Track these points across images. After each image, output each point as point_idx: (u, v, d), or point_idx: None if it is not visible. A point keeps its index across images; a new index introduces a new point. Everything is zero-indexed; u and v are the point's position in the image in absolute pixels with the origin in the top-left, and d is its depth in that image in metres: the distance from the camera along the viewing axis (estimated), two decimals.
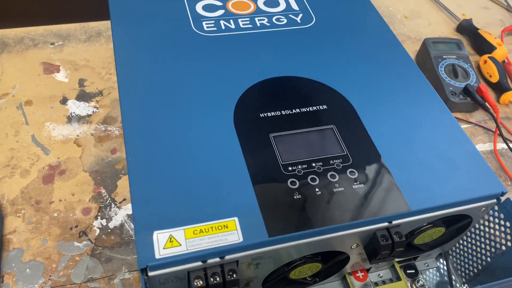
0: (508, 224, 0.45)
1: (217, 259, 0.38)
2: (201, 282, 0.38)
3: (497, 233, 0.47)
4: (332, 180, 0.43)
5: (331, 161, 0.45)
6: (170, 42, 0.54)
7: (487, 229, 0.48)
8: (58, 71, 0.71)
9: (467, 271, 0.52)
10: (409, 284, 0.52)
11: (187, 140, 0.44)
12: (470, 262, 0.51)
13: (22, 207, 0.55)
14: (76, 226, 0.54)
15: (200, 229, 0.38)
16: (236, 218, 0.39)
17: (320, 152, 0.45)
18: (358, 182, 0.43)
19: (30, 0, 0.75)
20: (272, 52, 0.55)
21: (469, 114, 0.74)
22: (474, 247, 0.50)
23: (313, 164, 0.44)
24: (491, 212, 0.47)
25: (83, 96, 0.68)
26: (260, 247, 0.39)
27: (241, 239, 0.38)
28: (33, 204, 0.55)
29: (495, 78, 0.78)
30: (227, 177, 0.42)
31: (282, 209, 0.40)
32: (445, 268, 0.55)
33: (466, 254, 0.52)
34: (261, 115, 0.48)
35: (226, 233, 0.38)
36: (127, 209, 0.56)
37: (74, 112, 0.66)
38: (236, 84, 0.50)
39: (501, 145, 0.70)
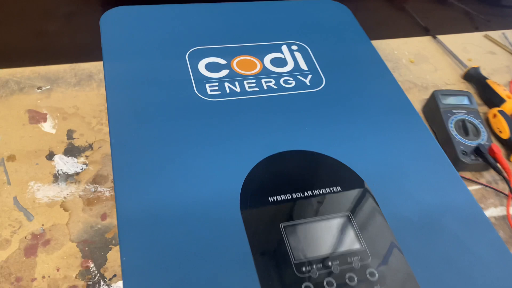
0: None
1: None
2: None
3: None
4: (350, 284, 0.39)
5: (348, 258, 0.41)
6: (169, 107, 0.49)
7: None
8: (45, 120, 0.66)
9: None
10: None
11: (183, 236, 0.40)
12: None
13: (0, 285, 0.49)
14: None
15: None
16: None
17: (337, 247, 0.41)
18: (379, 286, 0.39)
19: (16, 37, 0.69)
20: (280, 121, 0.50)
21: (479, 173, 0.71)
22: None
23: (329, 263, 0.40)
24: None
25: (71, 151, 0.63)
26: None
27: None
28: (13, 281, 0.50)
29: (505, 134, 0.75)
30: (230, 276, 0.37)
31: None
32: None
33: None
34: (269, 199, 0.43)
35: None
36: (118, 287, 0.51)
37: (61, 170, 0.60)
38: (243, 160, 0.46)
39: None
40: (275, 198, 0.44)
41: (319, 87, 0.55)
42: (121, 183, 0.42)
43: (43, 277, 0.51)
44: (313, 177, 0.46)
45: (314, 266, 0.40)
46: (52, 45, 0.73)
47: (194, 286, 0.37)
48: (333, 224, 0.43)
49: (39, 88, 0.69)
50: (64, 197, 0.58)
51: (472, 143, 0.70)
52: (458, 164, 0.69)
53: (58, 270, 0.51)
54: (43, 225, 0.55)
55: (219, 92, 0.52)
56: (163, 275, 0.37)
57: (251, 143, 0.48)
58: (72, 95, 0.70)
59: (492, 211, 0.67)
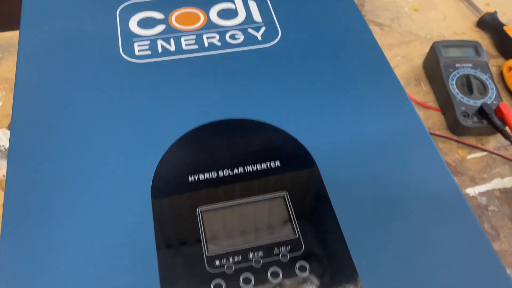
0: None
1: None
2: None
3: None
4: (273, 281, 0.32)
5: (276, 249, 0.33)
6: (86, 73, 0.42)
7: None
8: None
9: None
10: None
11: (80, 225, 0.33)
12: None
13: None
14: None
15: None
16: None
17: (263, 235, 0.34)
18: (309, 284, 0.32)
19: None
20: (217, 85, 0.42)
21: (485, 138, 0.60)
22: None
23: (250, 256, 0.33)
24: None
25: None
26: None
27: None
28: None
29: None
30: (127, 278, 0.31)
31: None
32: None
33: None
34: (190, 178, 0.36)
35: None
36: None
37: (3, 146, 0.56)
38: (163, 134, 0.39)
39: None
40: (196, 178, 0.36)
41: (272, 41, 0.46)
42: (15, 159, 0.36)
43: None
44: (248, 151, 0.39)
45: (230, 260, 0.32)
46: (8, 8, 0.67)
47: (85, 275, 0.31)
48: (262, 208, 0.35)
49: None
50: (3, 175, 0.53)
51: (476, 103, 0.59)
52: (458, 129, 0.59)
53: None
54: None
55: (149, 52, 0.44)
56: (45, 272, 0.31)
57: (177, 112, 0.40)
58: None
59: (498, 182, 0.57)
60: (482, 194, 0.56)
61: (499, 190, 0.56)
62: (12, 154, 0.36)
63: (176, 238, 0.33)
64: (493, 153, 0.59)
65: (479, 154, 0.59)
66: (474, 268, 0.33)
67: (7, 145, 0.56)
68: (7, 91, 0.61)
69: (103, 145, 0.37)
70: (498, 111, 0.57)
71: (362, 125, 0.41)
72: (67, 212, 0.34)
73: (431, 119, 0.62)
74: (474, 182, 0.57)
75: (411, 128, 0.40)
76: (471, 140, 0.60)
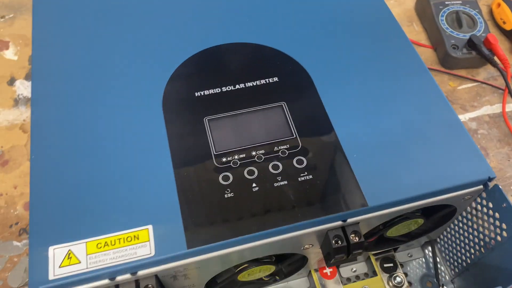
0: (497, 215, 0.36)
1: (129, 276, 0.32)
2: None
3: (486, 224, 0.38)
4: (273, 171, 0.36)
5: (275, 147, 0.37)
6: (94, 8, 0.46)
7: (475, 219, 0.40)
8: (7, 48, 0.65)
9: (456, 263, 0.45)
10: (385, 281, 0.44)
11: (100, 128, 0.37)
12: (459, 254, 0.44)
13: None
14: (17, 223, 0.49)
15: (106, 242, 0.32)
16: (150, 227, 0.33)
17: (264, 137, 0.38)
18: (306, 173, 0.36)
19: None
20: (213, 12, 0.46)
21: (475, 70, 0.64)
22: (462, 238, 0.42)
23: (253, 153, 0.37)
24: (478, 199, 0.38)
25: None
26: (178, 260, 0.32)
27: (152, 253, 0.32)
28: None
29: (509, 24, 0.66)
30: (145, 174, 0.35)
31: (208, 212, 0.34)
32: (433, 257, 0.47)
33: (454, 245, 0.44)
34: (196, 94, 0.40)
35: (136, 245, 0.32)
36: None
37: (21, 94, 0.60)
38: (169, 58, 0.42)
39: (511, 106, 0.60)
40: (202, 93, 0.40)
41: None
42: (38, 81, 0.40)
43: (1, 194, 0.51)
44: (248, 69, 0.42)
45: (235, 156, 0.36)
46: None
47: (109, 177, 0.35)
48: (263, 115, 0.39)
49: (2, 17, 0.68)
50: (24, 120, 0.57)
51: (466, 36, 0.62)
52: (449, 60, 0.62)
53: (15, 187, 0.52)
54: (2, 146, 0.55)
55: None
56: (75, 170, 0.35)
57: (182, 37, 0.44)
58: None
59: (487, 109, 0.60)
60: (472, 119, 0.59)
61: (488, 115, 0.59)
62: (36, 73, 0.40)
63: (187, 143, 0.37)
64: (483, 82, 0.62)
65: (470, 84, 0.62)
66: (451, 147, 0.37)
67: (25, 94, 0.60)
68: (22, 46, 0.65)
69: (120, 66, 0.41)
70: (486, 41, 0.60)
71: (356, 44, 0.44)
72: (92, 119, 0.38)
73: (423, 55, 0.65)
74: (464, 110, 0.60)
75: (396, 42, 0.44)
76: (461, 72, 0.63)
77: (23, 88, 0.60)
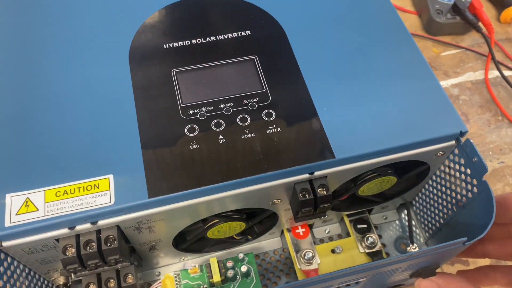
0: (468, 171, 0.36)
1: (89, 225, 0.31)
2: (73, 250, 0.31)
3: (458, 182, 0.38)
4: (241, 124, 0.35)
5: (244, 100, 0.36)
6: None
7: (448, 177, 0.39)
8: None
9: (430, 225, 0.44)
10: (358, 241, 0.44)
11: (63, 78, 0.36)
12: (433, 215, 0.43)
13: None
14: None
15: (65, 190, 0.31)
16: (111, 176, 0.32)
17: (233, 90, 0.37)
18: (274, 126, 0.35)
19: None
20: None
21: (459, 37, 0.63)
22: (436, 198, 0.42)
23: (221, 106, 0.36)
24: (451, 156, 0.38)
25: None
26: (139, 210, 0.32)
27: (112, 202, 0.31)
28: None
29: None
30: (108, 124, 0.34)
31: (172, 163, 0.33)
32: (408, 220, 0.47)
33: (428, 206, 0.44)
34: (165, 46, 0.39)
35: (96, 194, 0.31)
36: None
37: None
38: (139, 8, 0.41)
39: (495, 73, 0.59)
40: (171, 45, 0.39)
41: None
42: None
43: None
44: (220, 22, 0.41)
45: (203, 109, 0.35)
46: None
47: (71, 126, 0.34)
48: (234, 68, 0.38)
49: None
50: None
51: (450, 1, 0.61)
52: (433, 26, 0.61)
53: None
54: None
55: None
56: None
57: None
58: None
59: (470, 75, 0.59)
60: (454, 86, 0.58)
61: (471, 81, 0.59)
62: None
63: (153, 94, 0.36)
64: (467, 49, 0.61)
65: (453, 51, 0.61)
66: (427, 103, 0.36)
67: None
68: None
69: (87, 17, 0.40)
70: (471, 6, 0.59)
71: (333, 1, 0.43)
72: (55, 68, 0.37)
73: (408, 21, 0.64)
74: (447, 76, 0.59)
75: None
76: (446, 39, 0.62)
77: None
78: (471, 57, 0.61)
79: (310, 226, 0.45)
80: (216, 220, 0.37)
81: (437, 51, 0.61)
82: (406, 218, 0.47)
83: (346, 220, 0.45)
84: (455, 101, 0.57)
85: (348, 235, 0.45)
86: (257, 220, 0.40)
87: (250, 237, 0.43)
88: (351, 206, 0.44)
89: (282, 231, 0.45)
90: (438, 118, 0.36)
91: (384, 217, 0.48)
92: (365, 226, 0.45)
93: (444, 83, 0.58)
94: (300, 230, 0.44)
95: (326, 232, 0.46)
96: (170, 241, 0.38)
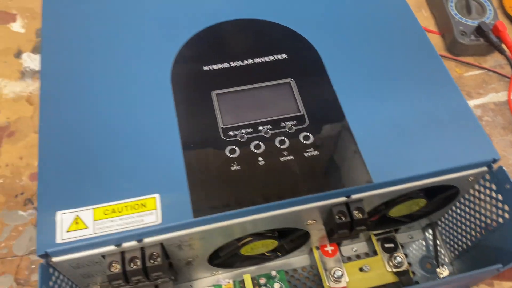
0: (500, 197, 0.37)
1: (135, 243, 0.32)
2: (118, 267, 0.33)
3: (488, 206, 0.39)
4: (280, 146, 0.36)
5: (282, 123, 0.37)
6: None
7: (477, 201, 0.40)
8: (15, 20, 0.64)
9: (456, 246, 0.45)
10: (385, 260, 0.45)
11: (109, 99, 0.38)
12: (460, 237, 0.44)
13: None
14: (22, 193, 0.50)
15: (113, 209, 0.32)
16: (157, 195, 0.33)
17: (271, 112, 0.38)
18: (312, 149, 0.36)
19: None
20: None
21: (482, 58, 0.63)
22: (463, 220, 0.43)
23: (260, 128, 0.37)
24: (481, 181, 0.39)
25: (39, 48, 0.61)
26: (184, 229, 0.33)
27: (159, 221, 0.32)
28: None
29: None
30: (153, 145, 0.35)
31: (215, 183, 0.34)
32: (433, 239, 0.48)
33: (455, 227, 0.44)
34: (204, 68, 0.40)
35: (143, 213, 0.32)
36: None
37: (28, 67, 0.60)
38: (179, 30, 0.42)
39: None
40: (210, 67, 0.40)
41: None
42: (47, 45, 0.40)
43: (7, 165, 0.52)
44: (257, 45, 0.42)
45: (242, 130, 0.37)
46: None
47: (118, 146, 0.35)
48: (271, 91, 0.39)
49: None
50: (30, 92, 0.57)
51: (474, 22, 0.62)
52: (457, 47, 0.62)
53: (21, 158, 0.52)
54: (8, 118, 0.55)
55: None
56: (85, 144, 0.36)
57: (192, 11, 0.44)
58: None
59: (493, 96, 0.60)
60: (477, 106, 0.59)
61: (494, 103, 0.59)
62: (45, 42, 0.40)
63: (195, 115, 0.37)
64: (489, 70, 0.62)
65: (476, 71, 0.62)
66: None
67: (32, 66, 0.60)
68: (29, 19, 0.65)
69: (130, 40, 0.41)
70: (495, 28, 0.60)
71: (367, 26, 0.44)
72: (101, 89, 0.38)
73: (431, 41, 0.65)
74: (470, 97, 0.60)
75: (407, 25, 0.44)
76: (468, 59, 0.63)
77: (30, 61, 0.60)
78: (493, 78, 0.62)
79: (338, 244, 0.46)
80: (251, 238, 0.38)
81: (460, 72, 0.62)
82: (431, 237, 0.48)
83: (373, 238, 0.46)
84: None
85: (375, 253, 0.46)
86: (290, 238, 0.41)
87: (280, 253, 0.44)
88: (379, 226, 0.45)
89: (311, 248, 0.45)
90: (472, 144, 0.37)
91: (409, 236, 0.48)
92: (392, 245, 0.46)
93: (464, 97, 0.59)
94: (329, 248, 0.45)
95: (354, 250, 0.47)
96: (207, 257, 0.39)
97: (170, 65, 0.40)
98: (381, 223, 0.44)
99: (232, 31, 0.43)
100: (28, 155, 0.52)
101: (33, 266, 0.46)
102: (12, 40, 0.62)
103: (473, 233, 0.42)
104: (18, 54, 0.61)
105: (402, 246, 0.47)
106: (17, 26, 0.64)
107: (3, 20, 0.64)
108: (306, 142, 0.36)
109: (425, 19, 0.68)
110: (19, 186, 0.50)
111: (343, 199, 0.35)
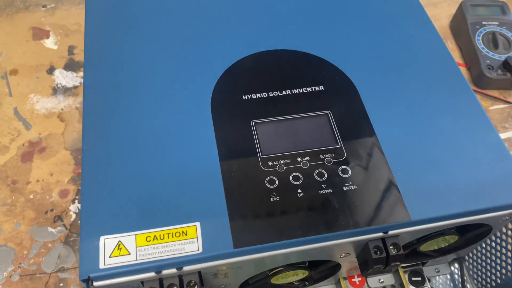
0: None
1: (174, 270, 0.33)
2: None
3: None
4: (318, 179, 0.36)
5: (320, 155, 0.38)
6: (150, 5, 0.47)
7: (509, 240, 0.40)
8: (48, 37, 0.66)
9: (484, 282, 0.45)
10: None
11: (151, 126, 0.38)
12: (488, 274, 0.44)
13: None
14: (52, 210, 0.50)
15: (155, 236, 0.33)
16: (198, 224, 0.34)
17: (309, 144, 0.38)
18: (351, 183, 0.36)
19: None
20: (263, 20, 0.47)
21: (507, 92, 0.64)
22: (493, 257, 0.43)
23: (298, 159, 0.37)
24: None
25: (71, 65, 0.63)
26: (223, 259, 0.33)
27: (200, 250, 0.32)
28: (9, 184, 0.52)
29: None
30: (194, 173, 0.36)
31: (255, 214, 0.34)
32: (460, 274, 0.47)
33: (484, 264, 0.44)
34: (244, 97, 0.41)
35: (184, 241, 0.33)
36: None
37: (60, 83, 0.61)
38: (218, 60, 0.43)
39: None
40: (249, 97, 0.41)
41: None
42: (90, 71, 0.41)
43: (37, 180, 0.52)
44: (295, 76, 0.43)
45: (281, 161, 0.37)
46: None
47: (160, 174, 0.36)
48: (309, 122, 0.40)
49: (44, 6, 0.69)
50: (62, 109, 0.58)
51: (501, 57, 0.63)
52: (483, 80, 0.62)
53: (51, 175, 0.53)
54: (40, 133, 0.56)
55: None
56: (126, 173, 0.36)
57: (230, 41, 0.45)
58: (76, 13, 0.69)
59: None
60: (503, 140, 0.59)
61: None
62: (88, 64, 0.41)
63: (234, 144, 0.38)
64: None
65: (502, 105, 0.63)
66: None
67: (63, 83, 0.61)
68: (62, 36, 0.66)
69: (171, 66, 0.42)
70: None
71: (401, 58, 0.45)
72: (143, 115, 0.39)
73: None
74: None
75: (439, 58, 0.45)
76: (494, 93, 0.64)
77: (62, 77, 0.62)
78: None
79: (366, 276, 0.46)
80: (281, 268, 0.38)
81: (485, 105, 0.62)
82: (458, 272, 0.48)
83: (401, 271, 0.46)
84: None
85: (401, 286, 0.46)
86: (321, 269, 0.41)
87: (307, 283, 0.44)
88: (408, 259, 0.45)
89: (338, 279, 0.46)
90: (507, 184, 0.37)
91: (436, 270, 0.48)
92: (419, 278, 0.46)
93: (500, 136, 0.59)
94: (357, 279, 0.45)
95: (380, 282, 0.47)
96: (238, 285, 0.39)
97: (210, 93, 0.41)
98: (410, 256, 0.44)
99: (271, 61, 0.44)
100: (59, 171, 0.53)
101: (61, 284, 0.46)
102: (45, 56, 0.64)
103: (503, 271, 0.41)
104: (50, 70, 0.62)
105: (428, 280, 0.47)
106: (50, 43, 0.65)
107: (36, 36, 0.66)
108: (344, 176, 0.37)
109: (450, 50, 0.68)
110: (49, 203, 0.51)
111: (380, 234, 0.35)
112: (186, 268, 0.33)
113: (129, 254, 0.32)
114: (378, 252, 0.35)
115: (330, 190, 0.36)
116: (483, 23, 0.66)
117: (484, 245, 0.44)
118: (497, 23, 0.66)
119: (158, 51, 0.43)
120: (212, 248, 0.32)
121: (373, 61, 0.44)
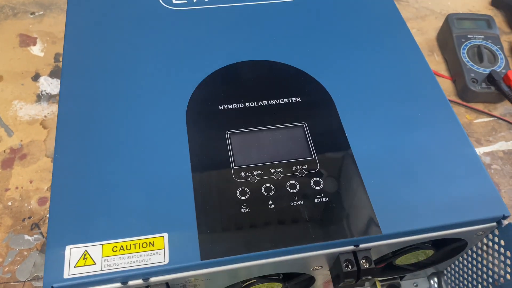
0: (508, 253, 0.36)
1: (141, 281, 0.32)
2: None
3: (496, 261, 0.38)
4: (290, 191, 0.36)
5: (294, 167, 0.38)
6: (129, 16, 0.47)
7: (485, 255, 0.40)
8: (35, 44, 0.66)
9: None
10: None
11: (124, 136, 0.38)
12: None
13: None
14: (30, 218, 0.50)
15: (121, 246, 0.33)
16: (166, 235, 0.33)
17: (283, 155, 0.38)
18: (322, 195, 0.36)
19: None
20: (243, 31, 0.47)
21: (492, 105, 0.64)
22: (470, 272, 0.42)
23: (272, 170, 0.37)
24: (490, 236, 0.38)
25: (56, 73, 0.63)
26: (190, 270, 0.33)
27: (166, 261, 0.32)
28: None
29: None
30: (165, 183, 0.36)
31: (224, 225, 0.34)
32: None
33: (461, 279, 0.44)
34: (220, 107, 0.41)
35: (151, 252, 0.32)
36: None
37: (45, 90, 0.61)
38: (196, 70, 0.43)
39: None
40: (225, 107, 0.41)
41: None
42: (67, 80, 0.41)
43: (16, 187, 0.52)
44: (273, 87, 0.43)
45: (254, 172, 0.37)
46: None
47: (129, 183, 0.36)
48: (284, 133, 0.40)
49: (33, 13, 0.70)
50: (45, 116, 0.58)
51: (486, 70, 0.63)
52: (468, 94, 0.62)
53: (31, 182, 0.53)
54: (21, 140, 0.56)
55: (185, 1, 0.49)
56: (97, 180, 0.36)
57: (208, 52, 0.45)
58: (64, 21, 0.69)
59: (502, 145, 0.60)
60: (486, 154, 0.59)
61: (503, 151, 0.60)
62: (65, 70, 0.41)
63: (207, 154, 0.38)
64: (499, 118, 0.62)
65: (486, 119, 0.63)
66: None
67: (48, 90, 0.61)
68: (49, 43, 0.66)
69: (148, 75, 0.42)
70: (506, 78, 0.61)
71: (379, 70, 0.45)
72: (116, 123, 0.39)
73: (442, 86, 0.66)
74: (479, 144, 0.60)
75: (418, 71, 0.45)
76: (479, 106, 0.64)
77: (47, 84, 0.62)
78: (503, 126, 0.62)
79: None
80: (254, 280, 0.38)
81: (470, 118, 0.62)
82: (436, 286, 0.48)
83: (378, 285, 0.46)
84: (487, 169, 0.57)
85: None
86: (294, 282, 0.41)
87: None
88: (384, 273, 0.44)
89: None
90: (482, 199, 0.37)
91: (414, 284, 0.48)
92: None
93: (476, 151, 0.59)
94: None
95: None
96: None
97: (185, 103, 0.41)
98: (387, 270, 0.44)
99: (248, 72, 0.44)
100: (39, 179, 0.53)
101: None
102: (31, 63, 0.64)
103: (480, 286, 0.41)
104: (35, 77, 0.62)
105: None
106: (36, 50, 0.65)
107: (23, 43, 0.66)
108: (317, 188, 0.36)
109: (437, 63, 0.69)
110: (27, 210, 0.51)
111: (351, 247, 0.35)
112: (153, 279, 0.32)
113: (95, 264, 0.32)
114: (350, 266, 0.35)
115: (302, 202, 0.36)
116: (469, 36, 0.66)
117: (461, 260, 0.43)
118: (482, 36, 0.66)
119: (135, 61, 0.43)
120: (178, 259, 0.32)
121: (351, 74, 0.44)
